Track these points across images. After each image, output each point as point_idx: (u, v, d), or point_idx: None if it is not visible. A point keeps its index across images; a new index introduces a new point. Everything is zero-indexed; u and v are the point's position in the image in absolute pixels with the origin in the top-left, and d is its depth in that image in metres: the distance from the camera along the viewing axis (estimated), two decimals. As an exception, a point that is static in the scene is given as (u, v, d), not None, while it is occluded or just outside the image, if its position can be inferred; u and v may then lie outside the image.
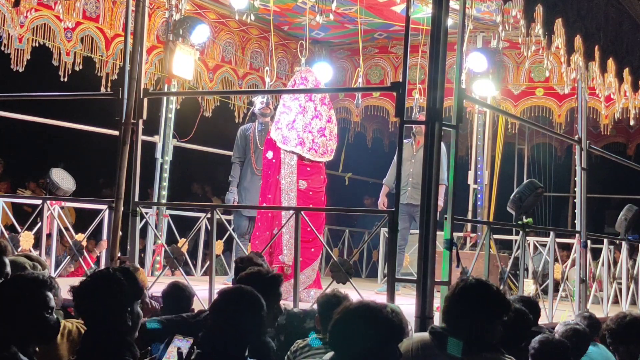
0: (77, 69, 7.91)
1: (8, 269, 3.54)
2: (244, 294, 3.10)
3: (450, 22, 4.83)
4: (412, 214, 7.95)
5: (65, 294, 4.97)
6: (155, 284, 5.61)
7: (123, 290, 2.94)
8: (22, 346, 2.86)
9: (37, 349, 3.04)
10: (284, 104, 6.81)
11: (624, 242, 8.19)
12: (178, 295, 4.60)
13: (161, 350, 3.33)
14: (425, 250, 4.50)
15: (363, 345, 2.86)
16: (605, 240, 7.94)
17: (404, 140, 8.21)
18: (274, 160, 6.76)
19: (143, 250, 8.44)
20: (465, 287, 3.25)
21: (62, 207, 8.24)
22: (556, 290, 7.14)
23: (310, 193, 6.72)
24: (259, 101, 7.88)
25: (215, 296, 3.27)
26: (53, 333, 3.09)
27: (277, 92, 7.52)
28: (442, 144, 6.92)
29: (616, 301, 8.02)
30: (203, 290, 5.67)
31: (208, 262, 6.83)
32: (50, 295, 2.98)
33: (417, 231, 7.24)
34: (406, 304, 4.44)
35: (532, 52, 5.71)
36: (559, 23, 5.51)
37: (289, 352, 3.99)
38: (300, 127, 6.66)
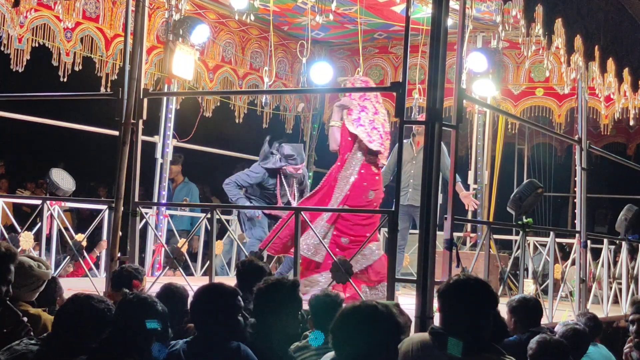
0: (77, 69, 7.90)
1: (12, 276, 3.55)
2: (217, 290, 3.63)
3: (450, 22, 4.84)
4: (412, 214, 7.95)
5: (63, 294, 4.96)
6: (155, 284, 5.61)
7: None
8: None
9: None
10: (359, 104, 6.60)
11: (624, 242, 8.19)
12: (172, 297, 4.58)
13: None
14: (425, 250, 4.50)
15: (366, 344, 2.87)
16: (605, 240, 7.94)
17: (407, 142, 8.29)
18: (338, 163, 6.59)
19: (143, 250, 8.43)
20: (457, 284, 3.24)
21: (68, 210, 8.25)
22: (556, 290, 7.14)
23: (375, 204, 6.53)
24: (289, 157, 7.76)
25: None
26: None
27: (277, 92, 7.53)
28: (443, 144, 6.98)
29: (616, 301, 8.01)
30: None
31: (208, 262, 6.83)
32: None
33: (417, 231, 7.25)
34: (406, 304, 4.44)
35: (532, 52, 5.71)
36: (559, 23, 5.51)
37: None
38: (380, 128, 6.51)
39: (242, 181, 7.86)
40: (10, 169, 10.86)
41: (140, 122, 5.88)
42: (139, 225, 6.02)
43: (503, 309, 5.52)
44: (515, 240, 8.24)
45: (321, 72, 9.13)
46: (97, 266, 7.60)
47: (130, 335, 3.22)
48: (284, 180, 7.80)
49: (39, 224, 6.60)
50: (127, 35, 5.96)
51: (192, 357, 3.44)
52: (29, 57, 7.47)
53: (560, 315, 6.50)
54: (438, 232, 4.67)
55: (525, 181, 7.92)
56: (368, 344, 2.88)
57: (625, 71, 6.79)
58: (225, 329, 3.52)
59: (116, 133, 5.90)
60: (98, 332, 3.26)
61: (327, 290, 4.43)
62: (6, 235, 6.71)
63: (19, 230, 6.90)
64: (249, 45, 9.74)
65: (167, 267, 6.32)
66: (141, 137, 5.97)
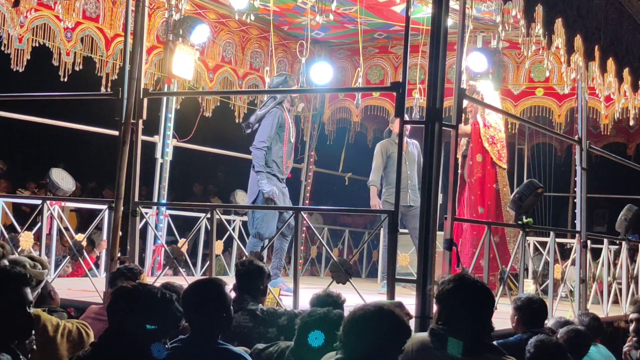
0: (77, 69, 7.90)
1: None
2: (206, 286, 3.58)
3: (450, 22, 4.84)
4: (405, 214, 7.97)
5: (63, 294, 4.96)
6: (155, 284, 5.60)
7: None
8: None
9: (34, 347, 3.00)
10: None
11: (624, 242, 8.18)
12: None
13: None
14: (425, 250, 4.50)
15: (375, 346, 2.90)
16: (606, 240, 7.93)
17: (390, 140, 8.47)
18: (488, 167, 7.74)
19: (143, 250, 8.44)
20: (460, 286, 3.24)
21: (75, 210, 8.17)
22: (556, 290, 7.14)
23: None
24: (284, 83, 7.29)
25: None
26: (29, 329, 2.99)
27: (277, 92, 7.50)
28: (417, 143, 7.23)
29: (616, 301, 8.01)
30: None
31: (208, 262, 6.82)
32: (28, 290, 2.90)
33: (406, 231, 7.37)
34: (406, 304, 4.44)
35: (532, 52, 5.72)
36: (559, 23, 5.51)
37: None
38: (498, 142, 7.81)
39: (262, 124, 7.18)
40: (11, 169, 10.84)
41: (140, 122, 5.88)
42: (139, 225, 6.02)
43: (503, 309, 5.52)
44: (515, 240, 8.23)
45: (321, 72, 9.13)
46: (97, 266, 7.60)
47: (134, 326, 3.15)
48: (288, 117, 7.30)
49: (39, 224, 6.60)
50: (127, 35, 5.96)
51: (188, 357, 3.40)
52: (29, 57, 7.47)
53: (561, 315, 6.48)
54: (438, 232, 4.67)
55: (525, 181, 7.92)
56: (376, 345, 2.91)
57: (625, 71, 6.79)
58: (218, 324, 3.46)
59: (116, 133, 5.90)
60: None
61: (329, 290, 4.42)
62: (6, 236, 6.71)
63: (19, 230, 6.89)
64: (249, 45, 9.74)
65: (167, 267, 6.32)
66: (141, 137, 5.98)
